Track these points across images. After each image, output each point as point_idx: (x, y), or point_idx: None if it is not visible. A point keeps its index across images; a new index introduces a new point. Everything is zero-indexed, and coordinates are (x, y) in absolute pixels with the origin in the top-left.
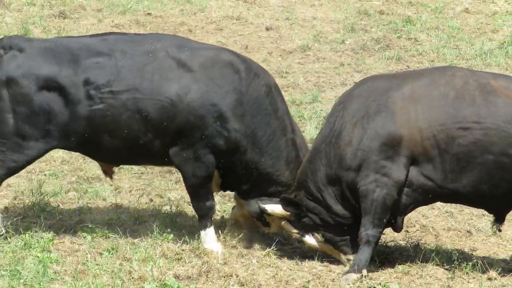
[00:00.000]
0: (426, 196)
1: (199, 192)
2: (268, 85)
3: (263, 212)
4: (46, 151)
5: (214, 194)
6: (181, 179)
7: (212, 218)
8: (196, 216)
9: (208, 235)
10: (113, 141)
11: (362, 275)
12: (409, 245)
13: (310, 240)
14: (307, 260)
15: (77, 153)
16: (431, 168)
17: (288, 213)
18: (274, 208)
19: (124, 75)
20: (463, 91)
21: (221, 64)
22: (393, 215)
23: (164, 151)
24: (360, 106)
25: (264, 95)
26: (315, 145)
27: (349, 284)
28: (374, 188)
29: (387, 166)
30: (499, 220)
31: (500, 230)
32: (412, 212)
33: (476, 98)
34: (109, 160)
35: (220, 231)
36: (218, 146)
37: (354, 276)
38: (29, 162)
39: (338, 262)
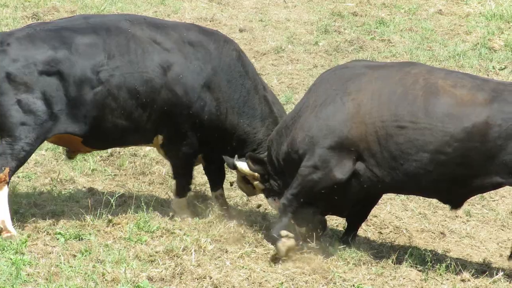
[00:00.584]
0: (373, 189)
1: (183, 171)
2: (237, 50)
3: (235, 168)
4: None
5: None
6: (155, 180)
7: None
8: (170, 216)
9: (181, 204)
10: (114, 120)
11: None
12: (382, 247)
13: (273, 203)
14: (280, 262)
15: (50, 155)
16: (374, 163)
17: (254, 172)
18: (242, 165)
19: (114, 53)
20: (409, 90)
21: (192, 41)
22: (340, 206)
23: (154, 128)
24: (322, 92)
25: (236, 59)
26: (285, 119)
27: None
28: (311, 172)
29: (331, 160)
30: (455, 207)
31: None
32: (386, 214)
33: (418, 98)
34: (104, 143)
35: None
36: (203, 121)
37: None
38: (36, 147)
39: (310, 263)
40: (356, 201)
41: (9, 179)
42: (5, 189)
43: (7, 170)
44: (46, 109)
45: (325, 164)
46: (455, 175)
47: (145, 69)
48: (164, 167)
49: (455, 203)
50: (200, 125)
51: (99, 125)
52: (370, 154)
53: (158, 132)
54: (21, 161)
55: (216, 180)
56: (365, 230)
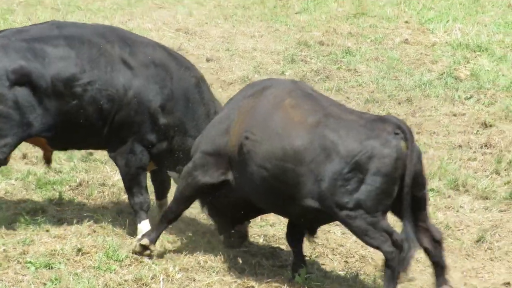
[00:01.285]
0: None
1: (132, 186)
2: (197, 77)
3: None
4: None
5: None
6: (124, 209)
7: (147, 212)
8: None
9: (143, 227)
10: (78, 129)
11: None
12: (348, 275)
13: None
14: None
15: (20, 185)
16: (236, 172)
17: None
18: (172, 174)
19: (86, 68)
20: (261, 105)
21: (156, 63)
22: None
23: (108, 137)
24: (226, 104)
25: (193, 85)
26: None
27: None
28: (186, 176)
29: (204, 166)
30: (310, 231)
31: (311, 239)
32: (352, 243)
33: (264, 114)
34: (66, 146)
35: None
36: (151, 140)
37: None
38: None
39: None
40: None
41: None
42: None
43: None
44: (20, 118)
45: (199, 169)
46: (279, 192)
47: (111, 88)
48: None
49: (308, 229)
50: (148, 142)
51: (64, 131)
52: (234, 163)
53: (111, 142)
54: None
55: (160, 190)
56: (331, 260)
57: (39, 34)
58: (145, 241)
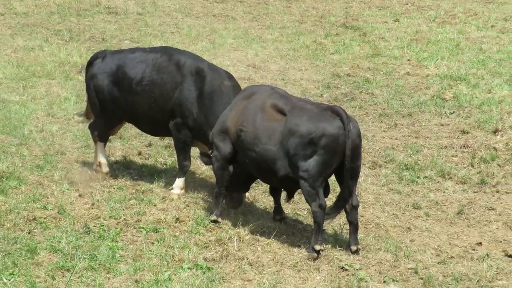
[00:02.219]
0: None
1: (181, 152)
2: (222, 84)
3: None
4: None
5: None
6: (209, 191)
7: (185, 173)
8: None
9: (179, 182)
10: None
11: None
12: (367, 237)
13: None
14: (296, 248)
15: (135, 174)
16: (238, 149)
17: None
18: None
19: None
20: (250, 107)
21: (196, 71)
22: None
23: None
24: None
25: (217, 90)
26: None
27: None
28: (215, 150)
29: (222, 139)
30: (288, 195)
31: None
32: (369, 214)
33: (252, 112)
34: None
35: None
36: (190, 124)
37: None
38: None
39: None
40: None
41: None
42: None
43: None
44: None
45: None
46: (265, 167)
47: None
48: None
49: (288, 193)
50: (188, 125)
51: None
52: (235, 143)
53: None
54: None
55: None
56: None
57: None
58: (214, 217)
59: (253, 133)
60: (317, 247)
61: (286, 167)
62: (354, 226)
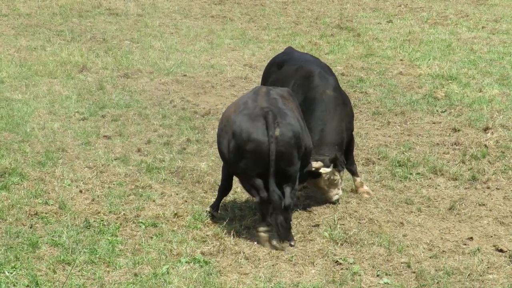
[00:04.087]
0: None
1: None
2: (323, 91)
3: None
4: None
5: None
6: (205, 187)
7: None
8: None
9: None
10: None
11: None
12: (360, 232)
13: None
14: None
15: (135, 169)
16: None
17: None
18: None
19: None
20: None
21: (306, 75)
22: None
23: None
24: None
25: (319, 97)
26: None
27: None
28: None
29: None
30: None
31: None
32: (363, 210)
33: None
34: None
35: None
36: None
37: None
38: None
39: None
40: None
41: None
42: None
43: None
44: None
45: None
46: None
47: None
48: (212, 178)
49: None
50: None
51: None
52: None
53: None
54: None
55: None
56: (349, 221)
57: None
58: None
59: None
60: (261, 229)
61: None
62: (283, 226)
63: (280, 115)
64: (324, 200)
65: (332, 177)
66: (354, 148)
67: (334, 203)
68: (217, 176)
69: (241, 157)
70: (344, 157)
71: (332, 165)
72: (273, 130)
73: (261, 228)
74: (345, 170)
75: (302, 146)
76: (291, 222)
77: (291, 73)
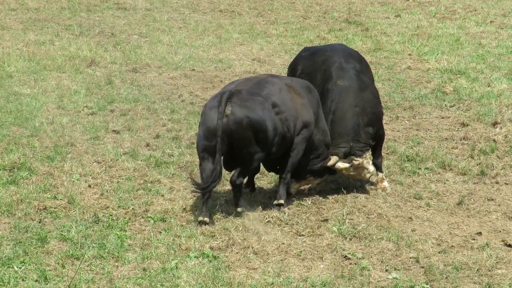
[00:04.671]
0: None
1: None
2: (335, 82)
3: None
4: None
5: None
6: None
7: None
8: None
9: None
10: None
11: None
12: (369, 227)
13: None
14: (300, 237)
15: (144, 164)
16: None
17: None
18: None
19: None
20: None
21: (326, 67)
22: None
23: None
24: None
25: (331, 87)
26: None
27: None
28: None
29: None
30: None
31: None
32: (372, 205)
33: None
34: None
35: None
36: None
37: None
38: None
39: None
40: None
41: None
42: None
43: None
44: None
45: None
46: None
47: None
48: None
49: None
50: None
51: None
52: None
53: None
54: None
55: None
56: (357, 216)
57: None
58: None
59: None
60: (200, 218)
61: None
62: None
63: (241, 97)
64: (333, 194)
65: (355, 164)
66: (383, 143)
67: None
68: (226, 171)
69: (198, 132)
70: (372, 151)
71: (349, 157)
72: (223, 108)
73: (200, 218)
74: (368, 153)
75: (263, 132)
76: (240, 197)
77: (318, 65)
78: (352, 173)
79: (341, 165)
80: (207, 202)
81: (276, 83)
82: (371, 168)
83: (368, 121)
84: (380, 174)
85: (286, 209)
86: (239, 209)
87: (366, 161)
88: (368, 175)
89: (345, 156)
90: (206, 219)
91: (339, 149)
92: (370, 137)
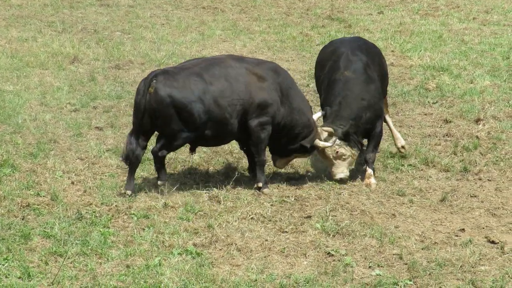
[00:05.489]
0: None
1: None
2: (342, 72)
3: None
4: None
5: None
6: (197, 179)
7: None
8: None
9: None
10: None
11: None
12: (352, 223)
13: None
14: (284, 233)
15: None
16: None
17: None
18: None
19: None
20: None
21: (335, 58)
22: None
23: None
24: None
25: (338, 78)
26: None
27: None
28: None
29: None
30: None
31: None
32: (355, 201)
33: None
34: None
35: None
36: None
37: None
38: None
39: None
40: None
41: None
42: None
43: None
44: None
45: None
46: None
47: None
48: (204, 169)
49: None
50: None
51: None
52: None
53: None
54: None
55: None
56: (341, 212)
57: None
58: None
59: None
60: (122, 190)
61: None
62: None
63: (168, 76)
64: (316, 191)
65: (340, 151)
66: (379, 141)
67: (338, 181)
68: (209, 167)
69: None
70: (367, 144)
71: (339, 142)
72: (147, 86)
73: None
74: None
75: (187, 112)
76: (161, 170)
77: (327, 56)
78: (330, 158)
79: (325, 143)
80: (130, 175)
81: (232, 66)
82: (346, 171)
83: (370, 116)
84: (369, 170)
85: (266, 189)
86: (159, 183)
87: (350, 160)
88: (340, 175)
89: (343, 136)
90: (129, 191)
91: (339, 127)
92: (366, 133)
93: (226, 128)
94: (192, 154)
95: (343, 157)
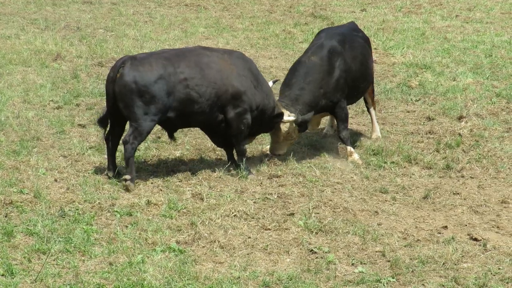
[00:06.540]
0: None
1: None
2: (309, 57)
3: None
4: None
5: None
6: (181, 176)
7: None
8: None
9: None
10: None
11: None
12: (335, 221)
13: None
14: (267, 231)
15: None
16: None
17: None
18: None
19: None
20: None
21: (312, 45)
22: None
23: None
24: None
25: (303, 61)
26: None
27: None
28: None
29: None
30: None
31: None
32: (338, 199)
33: None
34: None
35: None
36: None
37: None
38: None
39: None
40: None
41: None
42: None
43: None
44: None
45: None
46: None
47: None
48: (187, 167)
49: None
50: None
51: None
52: None
53: None
54: None
55: None
56: (323, 210)
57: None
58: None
59: None
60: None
61: None
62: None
63: (135, 61)
64: (299, 188)
65: (292, 132)
66: (348, 119)
67: (274, 155)
68: (192, 165)
69: None
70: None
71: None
72: (116, 71)
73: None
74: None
75: (149, 95)
76: (129, 159)
77: (313, 41)
78: (279, 136)
79: (290, 118)
80: (110, 159)
81: (203, 54)
82: (285, 149)
83: (326, 103)
84: (349, 148)
85: (252, 175)
86: (126, 177)
87: (292, 141)
88: (280, 151)
89: (301, 123)
90: (110, 173)
91: (299, 112)
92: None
93: (194, 107)
94: (172, 140)
95: (290, 138)
